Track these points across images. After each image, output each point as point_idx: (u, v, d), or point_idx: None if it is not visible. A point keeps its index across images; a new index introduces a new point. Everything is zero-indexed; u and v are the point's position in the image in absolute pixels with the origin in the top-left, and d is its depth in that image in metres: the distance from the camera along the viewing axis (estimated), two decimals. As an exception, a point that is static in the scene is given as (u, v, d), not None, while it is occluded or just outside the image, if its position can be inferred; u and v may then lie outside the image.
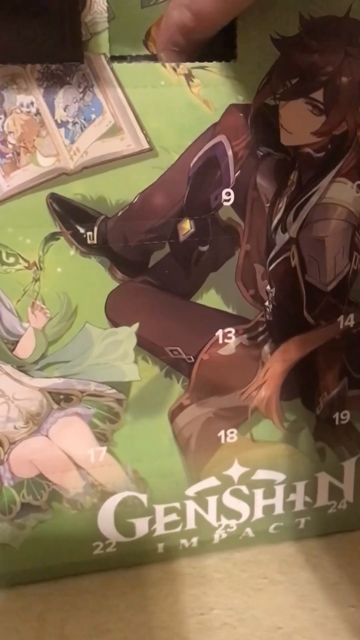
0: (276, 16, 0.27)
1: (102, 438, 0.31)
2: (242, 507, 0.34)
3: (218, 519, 0.34)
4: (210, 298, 0.30)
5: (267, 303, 0.31)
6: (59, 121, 0.26)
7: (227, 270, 0.30)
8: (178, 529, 0.33)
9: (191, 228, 0.29)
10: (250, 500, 0.34)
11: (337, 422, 0.34)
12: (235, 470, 0.33)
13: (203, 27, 0.26)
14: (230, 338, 0.31)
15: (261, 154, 0.29)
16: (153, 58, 0.28)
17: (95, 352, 0.29)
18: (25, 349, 0.29)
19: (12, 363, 0.29)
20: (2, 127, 0.26)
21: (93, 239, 0.28)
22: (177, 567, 0.34)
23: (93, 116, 0.26)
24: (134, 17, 0.28)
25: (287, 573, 0.34)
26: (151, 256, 0.29)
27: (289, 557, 0.35)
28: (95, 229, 0.28)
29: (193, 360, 0.31)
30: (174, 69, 0.27)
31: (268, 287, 0.31)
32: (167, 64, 0.26)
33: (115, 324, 0.29)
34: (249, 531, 0.35)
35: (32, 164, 0.26)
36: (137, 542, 0.33)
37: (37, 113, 0.26)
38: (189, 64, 0.27)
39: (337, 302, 0.32)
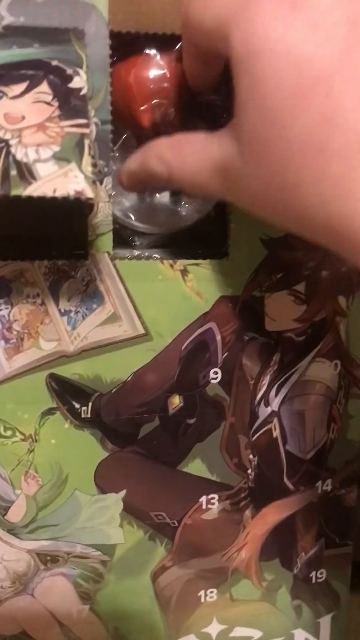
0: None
1: (86, 597, 0.32)
2: (220, 664, 0.35)
3: None
4: (195, 466, 0.32)
5: (249, 471, 0.32)
6: (62, 310, 0.28)
7: (213, 441, 0.32)
8: None
9: (180, 403, 0.31)
10: (227, 657, 0.35)
11: (313, 581, 0.35)
12: (214, 628, 0.34)
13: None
14: (213, 504, 0.32)
15: (247, 338, 0.31)
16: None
17: (83, 516, 0.31)
18: (17, 514, 0.30)
19: (3, 527, 0.30)
20: (8, 315, 0.28)
21: (87, 413, 0.30)
22: None
23: (94, 306, 0.29)
24: None
25: None
26: (141, 428, 0.31)
27: None
28: (90, 404, 0.30)
29: (177, 524, 0.32)
30: (171, 266, 0.29)
31: (251, 456, 0.32)
32: (165, 261, 0.29)
33: (103, 491, 0.31)
34: None
35: (35, 347, 0.28)
36: None
37: (42, 303, 0.28)
38: (185, 261, 0.29)
39: (316, 469, 0.33)
